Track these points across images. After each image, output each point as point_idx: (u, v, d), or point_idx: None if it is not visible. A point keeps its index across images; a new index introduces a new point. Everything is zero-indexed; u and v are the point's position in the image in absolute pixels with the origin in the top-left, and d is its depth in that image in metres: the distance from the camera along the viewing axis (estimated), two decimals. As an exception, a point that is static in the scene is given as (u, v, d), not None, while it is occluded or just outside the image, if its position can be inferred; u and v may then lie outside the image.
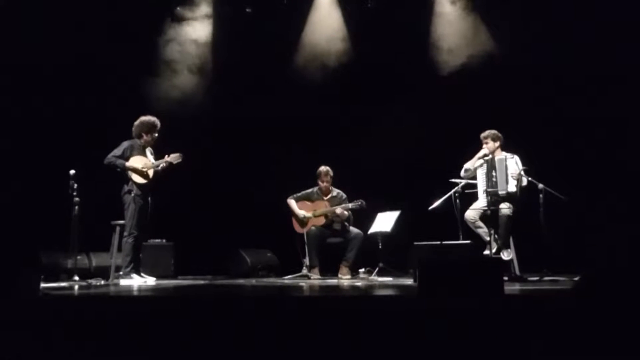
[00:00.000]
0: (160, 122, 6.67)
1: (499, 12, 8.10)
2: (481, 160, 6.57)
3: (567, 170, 7.17)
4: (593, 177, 7.25)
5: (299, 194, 7.66)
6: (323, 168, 7.56)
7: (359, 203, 7.31)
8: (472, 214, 6.56)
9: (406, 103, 8.02)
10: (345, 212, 7.36)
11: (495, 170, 6.47)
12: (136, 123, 6.63)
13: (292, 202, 7.62)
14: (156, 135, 6.67)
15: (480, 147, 6.68)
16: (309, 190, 7.68)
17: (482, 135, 6.68)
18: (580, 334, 3.24)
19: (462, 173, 6.66)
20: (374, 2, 8.75)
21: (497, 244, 6.34)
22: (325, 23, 8.69)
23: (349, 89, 8.46)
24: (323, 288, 5.88)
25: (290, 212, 7.59)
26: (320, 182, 7.58)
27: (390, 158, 8.26)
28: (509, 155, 6.56)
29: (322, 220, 7.46)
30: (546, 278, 6.04)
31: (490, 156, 6.55)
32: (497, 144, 6.64)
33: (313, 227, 7.37)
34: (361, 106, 8.14)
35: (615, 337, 3.15)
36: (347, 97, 8.39)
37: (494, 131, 6.66)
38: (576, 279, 4.39)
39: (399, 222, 7.28)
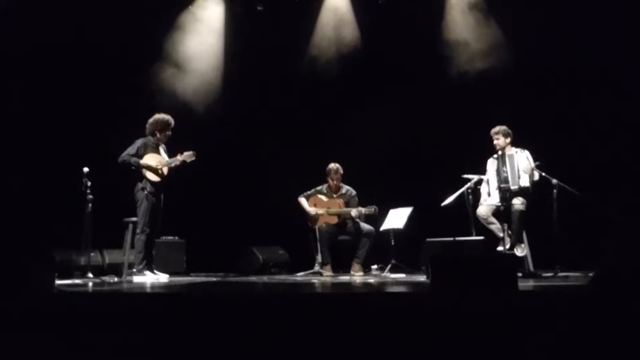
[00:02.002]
0: (173, 119, 6.69)
1: (510, 10, 8.03)
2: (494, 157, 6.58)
3: (581, 166, 7.12)
4: (607, 172, 7.20)
5: (309, 192, 7.66)
6: (333, 165, 7.55)
7: (372, 209, 7.30)
8: (484, 210, 6.54)
9: (418, 99, 8.00)
10: (361, 211, 7.34)
11: (506, 165, 6.47)
12: (150, 121, 6.66)
13: (302, 201, 7.62)
14: (169, 133, 6.70)
15: (491, 143, 6.66)
16: (319, 188, 7.67)
17: (493, 131, 6.66)
18: (594, 330, 3.22)
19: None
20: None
21: (510, 239, 6.31)
22: (336, 21, 8.66)
23: (360, 85, 8.44)
24: (335, 285, 5.88)
25: (302, 210, 7.58)
26: (330, 180, 7.57)
27: (403, 154, 8.25)
28: (519, 150, 6.56)
29: (334, 219, 7.45)
30: (560, 274, 6.01)
31: (500, 152, 6.56)
32: (508, 139, 6.63)
33: (324, 224, 7.36)
34: (373, 102, 8.11)
35: (629, 333, 3.12)
36: (359, 93, 8.37)
37: (504, 127, 6.64)
38: (591, 274, 4.36)
39: (411, 218, 7.26)
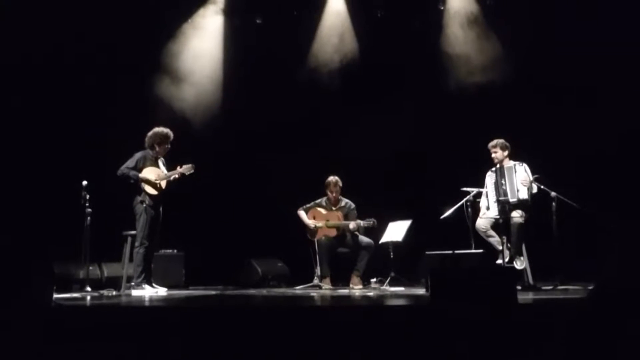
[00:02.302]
0: (172, 132, 6.70)
1: (509, 23, 8.07)
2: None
3: (580, 179, 7.12)
4: (607, 184, 7.20)
5: (308, 205, 7.65)
6: (332, 178, 7.54)
7: (371, 222, 7.29)
8: (482, 223, 6.54)
9: (417, 113, 8.02)
10: (359, 223, 7.33)
11: (505, 178, 6.48)
12: (149, 134, 6.66)
13: (301, 213, 7.60)
14: (168, 146, 6.70)
15: (489, 156, 6.68)
16: (318, 201, 7.66)
17: (490, 144, 6.68)
18: (593, 344, 3.21)
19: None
20: (383, 12, 8.76)
21: (509, 252, 6.31)
22: (335, 33, 8.70)
23: (359, 98, 8.46)
24: (334, 298, 5.87)
25: (301, 223, 7.57)
26: (329, 193, 7.56)
27: (402, 167, 8.26)
28: (517, 163, 6.57)
29: (333, 232, 7.43)
30: (560, 287, 6.00)
31: (499, 165, 6.58)
32: (506, 152, 6.65)
33: (323, 237, 7.35)
34: (371, 116, 8.13)
35: (629, 347, 3.11)
36: (357, 106, 8.38)
37: (501, 140, 6.67)
38: (590, 288, 4.37)
39: (410, 231, 7.25)
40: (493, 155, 6.65)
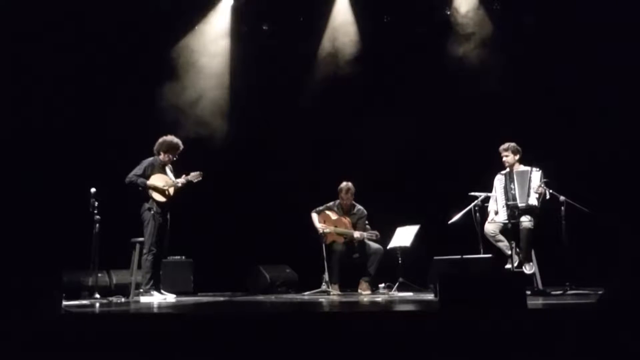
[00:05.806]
0: (182, 143, 6.71)
1: (514, 28, 8.05)
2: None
3: (590, 183, 7.08)
4: (617, 188, 7.16)
5: (320, 208, 7.60)
6: (344, 184, 7.49)
7: (374, 235, 7.30)
8: (491, 227, 6.49)
9: (425, 118, 8.01)
10: (363, 235, 7.33)
11: (514, 183, 6.42)
12: (159, 141, 6.68)
13: (314, 216, 7.56)
14: (174, 156, 6.70)
15: (499, 160, 6.64)
16: (330, 204, 7.62)
17: (502, 147, 6.60)
18: (603, 348, 3.19)
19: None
20: (389, 17, 8.76)
21: (518, 257, 6.27)
22: (342, 39, 8.71)
23: (366, 104, 8.46)
24: (343, 304, 5.85)
25: (313, 226, 7.55)
26: (341, 199, 7.53)
27: (410, 172, 8.24)
28: (534, 168, 6.47)
29: (341, 239, 7.40)
30: (570, 292, 5.96)
31: (509, 169, 6.53)
32: (517, 156, 6.57)
33: (336, 243, 7.30)
34: (379, 121, 8.12)
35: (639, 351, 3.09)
36: (365, 112, 8.38)
37: (513, 144, 6.58)
38: (600, 292, 4.35)
39: (418, 236, 7.23)
40: (504, 159, 6.57)
